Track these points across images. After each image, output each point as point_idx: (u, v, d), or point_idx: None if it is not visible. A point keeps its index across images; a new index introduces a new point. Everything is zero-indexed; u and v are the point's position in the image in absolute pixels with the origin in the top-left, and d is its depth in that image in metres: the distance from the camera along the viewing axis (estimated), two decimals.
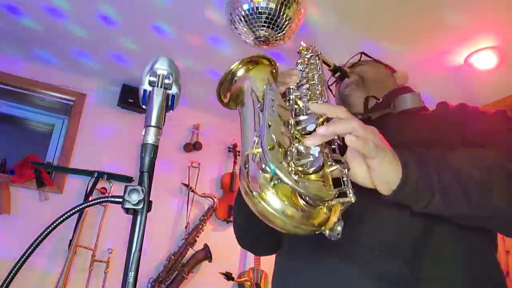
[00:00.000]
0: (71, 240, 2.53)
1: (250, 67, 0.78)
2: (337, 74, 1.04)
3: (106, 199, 0.56)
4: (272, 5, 1.72)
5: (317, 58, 0.93)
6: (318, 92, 0.79)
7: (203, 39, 2.40)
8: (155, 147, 0.59)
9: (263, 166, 0.56)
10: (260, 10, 1.73)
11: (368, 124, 0.87)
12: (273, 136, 0.59)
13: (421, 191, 0.60)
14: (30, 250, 0.53)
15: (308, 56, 0.95)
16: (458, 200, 0.61)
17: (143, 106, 0.64)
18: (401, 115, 0.95)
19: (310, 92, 0.79)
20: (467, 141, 0.78)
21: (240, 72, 0.78)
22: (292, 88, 0.81)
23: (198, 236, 2.95)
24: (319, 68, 0.89)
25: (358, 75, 1.05)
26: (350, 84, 1.04)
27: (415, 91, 1.04)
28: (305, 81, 0.85)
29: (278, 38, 1.86)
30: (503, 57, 2.28)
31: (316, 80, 0.83)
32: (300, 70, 0.90)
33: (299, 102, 0.77)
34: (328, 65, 1.01)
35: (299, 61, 0.96)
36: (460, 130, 0.82)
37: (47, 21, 2.35)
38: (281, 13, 1.74)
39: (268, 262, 2.79)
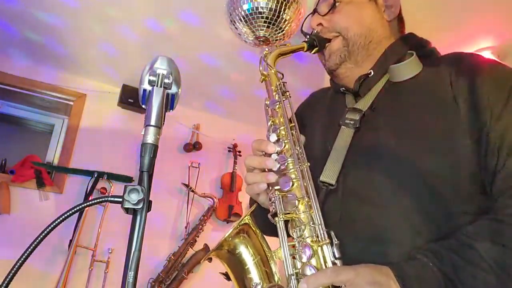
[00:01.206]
0: (71, 240, 2.53)
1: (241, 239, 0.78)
2: (315, 50, 0.91)
3: (106, 199, 0.56)
4: (272, 5, 1.72)
5: (285, 104, 0.84)
6: (305, 197, 0.74)
7: (207, 39, 2.40)
8: (155, 147, 0.59)
9: None
10: (260, 10, 1.73)
11: (364, 122, 0.82)
12: None
13: None
14: (30, 250, 0.53)
15: (277, 105, 0.85)
16: None
17: (143, 106, 0.64)
18: (397, 92, 0.84)
19: (296, 201, 0.75)
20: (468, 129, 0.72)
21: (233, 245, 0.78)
22: (274, 198, 0.76)
23: (198, 236, 2.95)
24: (295, 132, 0.82)
25: (339, 34, 0.90)
26: (333, 55, 0.91)
27: (406, 42, 0.90)
28: (283, 164, 0.77)
29: (278, 38, 1.86)
30: (503, 57, 2.28)
31: (294, 157, 0.78)
32: (276, 140, 0.80)
33: (291, 227, 0.75)
34: (301, 48, 0.90)
35: (268, 110, 0.87)
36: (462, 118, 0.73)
37: (48, 21, 2.35)
38: (281, 13, 1.74)
39: None
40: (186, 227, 2.99)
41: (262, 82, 0.90)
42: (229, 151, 3.39)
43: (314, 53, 0.93)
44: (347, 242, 0.72)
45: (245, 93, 3.00)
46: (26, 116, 3.04)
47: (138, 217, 0.53)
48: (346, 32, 0.89)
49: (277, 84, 0.87)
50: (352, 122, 0.84)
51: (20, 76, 2.79)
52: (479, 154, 0.71)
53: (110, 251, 2.63)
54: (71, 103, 2.97)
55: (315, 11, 0.96)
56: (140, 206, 0.53)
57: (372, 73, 0.88)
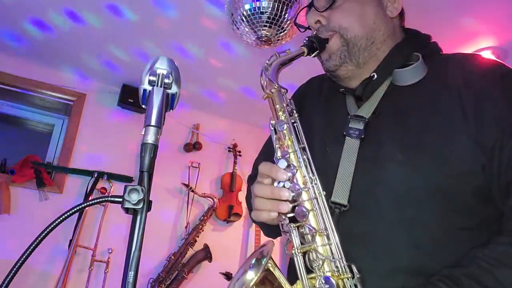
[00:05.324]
0: (71, 240, 2.53)
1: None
2: (316, 53, 0.86)
3: (106, 199, 0.56)
4: (274, 5, 1.72)
5: (293, 126, 0.78)
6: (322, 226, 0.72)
7: (206, 40, 2.40)
8: (155, 147, 0.59)
9: None
10: (261, 10, 1.73)
11: (368, 131, 0.79)
12: None
13: None
14: (30, 250, 0.53)
15: (284, 127, 0.78)
16: None
17: (143, 106, 0.64)
18: (401, 97, 0.80)
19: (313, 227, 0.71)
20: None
21: None
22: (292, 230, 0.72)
23: (198, 236, 2.95)
24: (306, 157, 0.76)
25: (338, 33, 0.85)
26: (333, 56, 0.86)
27: (411, 43, 0.86)
28: (296, 195, 0.73)
29: (279, 38, 1.86)
30: (503, 57, 2.28)
31: (308, 185, 0.74)
32: (286, 166, 0.75)
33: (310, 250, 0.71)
34: (302, 54, 0.85)
35: (274, 130, 0.81)
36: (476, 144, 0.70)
37: (48, 21, 2.35)
38: (283, 13, 1.74)
39: None
40: (186, 227, 2.99)
41: (265, 99, 0.84)
42: (229, 151, 3.39)
43: (314, 56, 0.87)
44: (364, 262, 0.70)
45: (245, 93, 3.00)
46: (26, 116, 3.03)
47: (138, 217, 0.53)
48: (345, 32, 0.84)
49: (284, 105, 0.81)
50: (356, 132, 0.80)
51: (20, 76, 2.78)
52: (490, 170, 0.69)
53: (110, 251, 2.63)
54: (71, 103, 2.97)
55: (311, 4, 0.89)
56: (140, 206, 0.53)
57: (376, 76, 0.83)
